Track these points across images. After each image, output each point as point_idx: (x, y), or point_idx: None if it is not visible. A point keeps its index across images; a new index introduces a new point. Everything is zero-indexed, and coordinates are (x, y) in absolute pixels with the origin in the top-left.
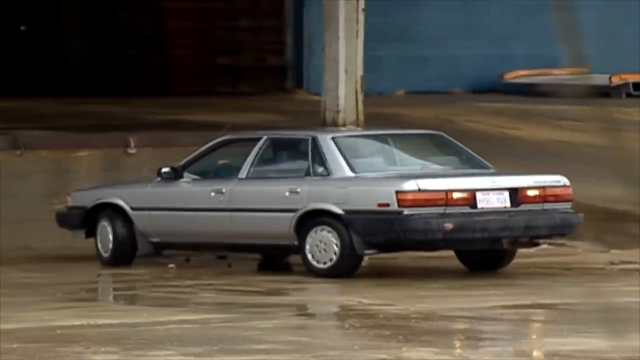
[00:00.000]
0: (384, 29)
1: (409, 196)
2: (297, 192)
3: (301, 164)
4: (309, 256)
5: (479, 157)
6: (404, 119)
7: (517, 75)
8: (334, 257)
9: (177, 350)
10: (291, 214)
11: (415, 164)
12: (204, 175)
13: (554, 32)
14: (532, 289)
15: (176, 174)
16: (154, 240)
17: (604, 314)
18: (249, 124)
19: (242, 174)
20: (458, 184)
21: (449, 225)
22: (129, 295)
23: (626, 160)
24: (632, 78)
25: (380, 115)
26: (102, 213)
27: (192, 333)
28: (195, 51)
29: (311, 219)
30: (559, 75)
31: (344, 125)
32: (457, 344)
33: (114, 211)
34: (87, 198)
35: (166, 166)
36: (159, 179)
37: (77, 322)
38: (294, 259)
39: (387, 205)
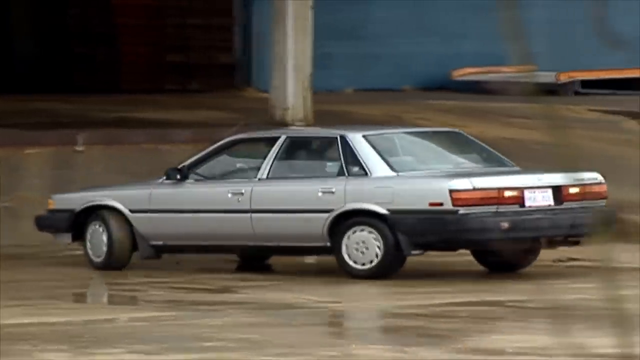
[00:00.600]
0: (333, 26)
1: (464, 195)
2: (332, 192)
3: (330, 163)
4: (346, 257)
5: (499, 154)
6: (355, 117)
7: (466, 73)
8: (376, 258)
9: (127, 348)
10: (325, 215)
11: (448, 161)
12: (212, 176)
13: (499, 30)
14: (481, 286)
15: (182, 175)
16: (156, 243)
17: (551, 311)
18: (199, 122)
19: (262, 174)
20: (508, 182)
21: (505, 224)
22: (80, 293)
23: (571, 157)
24: (580, 76)
25: (330, 112)
26: (93, 216)
27: (142, 331)
28: (145, 48)
29: (348, 219)
30: (507, 73)
31: (293, 123)
32: (407, 341)
33: (108, 214)
34: (74, 201)
35: (172, 167)
36: (160, 180)
37: (26, 320)
38: (279, 259)
39: (440, 204)
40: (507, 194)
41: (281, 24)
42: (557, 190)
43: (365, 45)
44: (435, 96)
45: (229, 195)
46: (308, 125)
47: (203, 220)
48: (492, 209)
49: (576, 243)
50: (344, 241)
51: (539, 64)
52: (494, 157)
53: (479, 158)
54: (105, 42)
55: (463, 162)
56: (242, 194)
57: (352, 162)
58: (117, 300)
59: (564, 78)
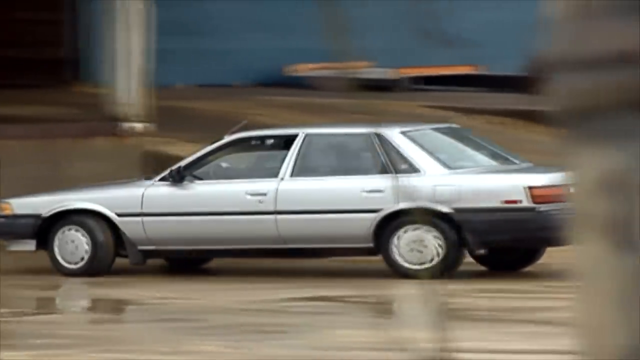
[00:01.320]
0: (171, 21)
1: (542, 192)
2: (381, 191)
3: (365, 161)
4: (398, 258)
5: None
6: (193, 113)
7: (302, 69)
8: (436, 257)
9: None
10: (371, 215)
11: (483, 157)
12: (216, 176)
13: (321, 26)
14: (317, 282)
15: (179, 176)
16: (146, 248)
17: (382, 306)
18: (32, 117)
19: (283, 173)
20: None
21: None
22: None
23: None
24: (416, 72)
25: (169, 108)
26: (66, 220)
27: None
28: None
29: (397, 218)
30: (343, 69)
31: (130, 119)
32: (247, 337)
33: (88, 218)
34: (38, 205)
35: (173, 168)
36: (151, 181)
37: None
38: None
39: (517, 202)
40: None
41: (116, 19)
42: None
43: (203, 41)
44: (271, 92)
45: (247, 196)
46: (145, 121)
47: (213, 223)
48: (562, 205)
49: None
50: (394, 241)
51: (380, 59)
52: (502, 153)
53: (495, 153)
54: None
55: (488, 159)
56: (264, 194)
57: (397, 160)
58: None
59: (400, 74)
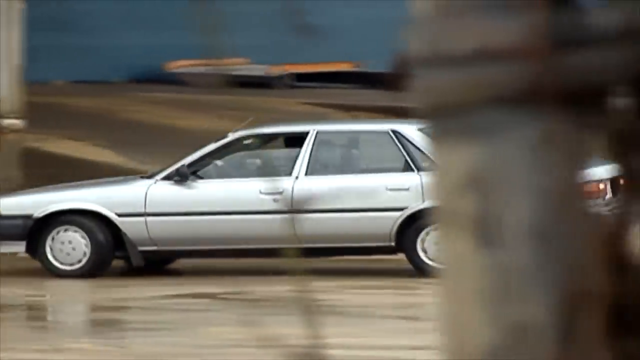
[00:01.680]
0: (45, 18)
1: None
2: (407, 189)
3: (383, 159)
4: (424, 257)
5: None
6: (69, 109)
7: (180, 66)
8: None
9: None
10: (395, 213)
11: None
12: (223, 174)
13: (196, 23)
14: (195, 279)
15: (184, 175)
16: (148, 249)
17: (259, 304)
18: None
19: (297, 171)
20: (599, 174)
21: None
22: None
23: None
24: (294, 69)
25: (43, 104)
26: (59, 221)
27: None
28: None
29: (422, 217)
30: (217, 65)
31: (3, 116)
32: (119, 334)
33: (85, 218)
34: (29, 205)
35: (178, 167)
36: (153, 180)
37: None
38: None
39: None
40: (601, 186)
41: None
42: (614, 182)
43: (80, 38)
44: (147, 88)
45: (261, 195)
46: (19, 117)
47: (225, 222)
48: (598, 201)
49: None
50: (419, 240)
51: (258, 56)
52: None
53: None
54: None
55: None
56: (279, 193)
57: (420, 157)
58: None
59: (277, 71)
